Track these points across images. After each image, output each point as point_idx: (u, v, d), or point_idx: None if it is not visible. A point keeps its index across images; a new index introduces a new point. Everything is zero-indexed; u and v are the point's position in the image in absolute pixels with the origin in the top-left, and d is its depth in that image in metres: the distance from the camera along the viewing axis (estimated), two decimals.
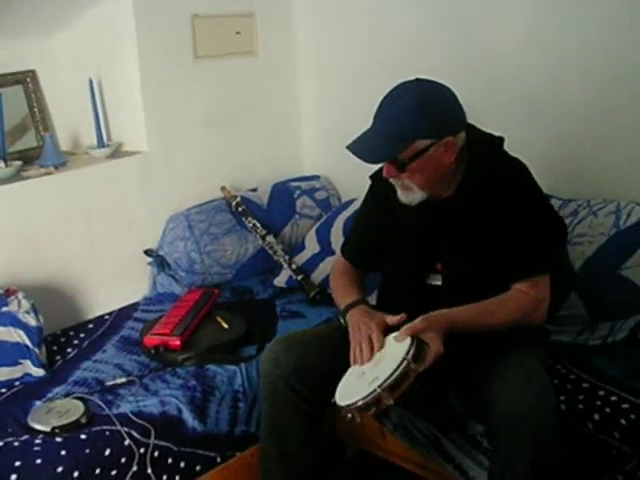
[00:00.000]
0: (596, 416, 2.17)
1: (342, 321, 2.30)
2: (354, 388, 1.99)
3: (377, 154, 2.12)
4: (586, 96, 2.83)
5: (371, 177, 2.43)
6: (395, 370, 1.90)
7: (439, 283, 2.25)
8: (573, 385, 2.32)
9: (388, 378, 1.89)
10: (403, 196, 2.19)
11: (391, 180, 2.18)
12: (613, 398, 2.22)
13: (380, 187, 2.37)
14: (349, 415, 1.96)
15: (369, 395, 1.90)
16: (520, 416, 1.89)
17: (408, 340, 1.96)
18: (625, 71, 2.72)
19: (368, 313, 2.21)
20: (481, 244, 2.17)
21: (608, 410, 2.18)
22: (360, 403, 1.92)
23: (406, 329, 2.00)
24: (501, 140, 2.25)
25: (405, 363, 1.90)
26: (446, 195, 2.22)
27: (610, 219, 2.64)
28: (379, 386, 1.89)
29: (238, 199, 3.32)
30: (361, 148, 2.12)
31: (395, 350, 1.97)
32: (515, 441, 1.92)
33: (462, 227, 2.20)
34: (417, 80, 2.13)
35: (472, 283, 2.17)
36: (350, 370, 2.09)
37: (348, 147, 2.13)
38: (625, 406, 2.18)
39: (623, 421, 2.14)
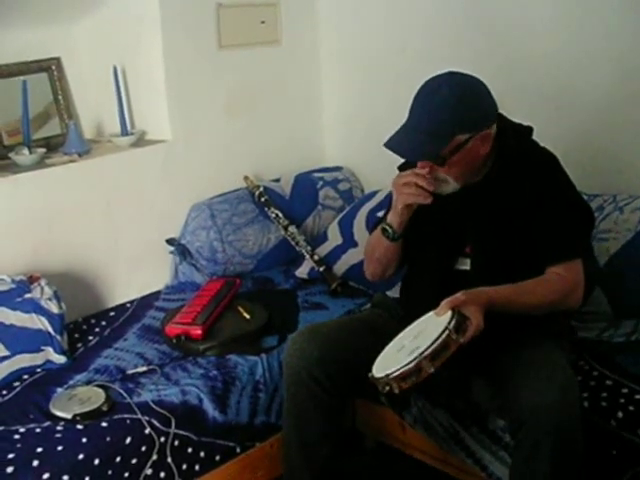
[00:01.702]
0: (620, 414, 2.15)
1: (388, 229, 2.28)
2: (393, 360, 1.98)
3: (419, 151, 2.11)
4: (613, 88, 2.80)
5: (399, 168, 2.42)
6: (436, 339, 1.89)
7: (467, 268, 2.24)
8: (596, 382, 2.30)
9: (429, 347, 1.88)
10: (435, 188, 2.17)
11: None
12: (637, 396, 2.19)
13: None
14: (387, 387, 1.94)
15: (410, 363, 1.89)
16: (544, 411, 1.88)
17: (449, 313, 1.95)
18: None
19: None
20: (509, 228, 2.17)
21: (632, 408, 2.16)
22: (400, 371, 1.90)
23: (447, 302, 1.98)
24: (530, 129, 2.27)
25: (447, 332, 1.89)
26: (475, 181, 2.21)
27: (636, 215, 2.61)
28: (420, 354, 1.88)
29: (261, 189, 3.31)
30: (401, 145, 2.10)
31: (436, 323, 1.96)
32: (538, 435, 1.91)
33: (491, 211, 2.20)
34: (450, 73, 2.12)
35: (500, 267, 2.17)
36: (387, 347, 2.08)
37: (386, 145, 2.11)
38: None
39: None
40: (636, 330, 2.51)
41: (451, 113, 2.04)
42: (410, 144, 2.09)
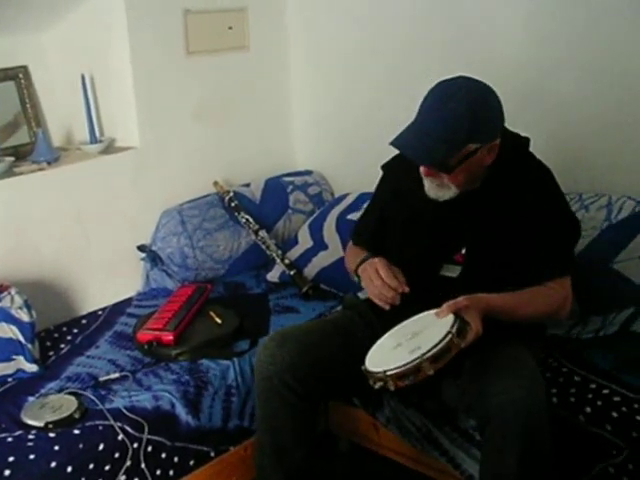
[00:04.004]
0: (588, 409, 2.18)
1: (356, 279, 2.35)
2: (390, 357, 1.98)
3: (428, 156, 2.09)
4: (577, 90, 2.84)
5: (383, 167, 2.43)
6: (440, 342, 1.90)
7: (452, 275, 2.24)
8: (565, 378, 2.33)
9: (433, 348, 1.90)
10: (433, 192, 2.18)
11: (426, 177, 2.17)
12: (605, 391, 2.23)
13: (392, 177, 2.39)
14: (380, 383, 1.95)
15: (411, 362, 1.90)
16: (510, 408, 1.91)
17: (452, 316, 1.97)
18: (618, 64, 2.73)
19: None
20: (504, 238, 2.18)
21: (600, 403, 2.19)
22: (399, 370, 1.91)
23: (449, 305, 2.00)
24: (527, 140, 2.28)
25: (450, 336, 1.91)
26: (471, 188, 2.21)
27: (602, 213, 2.65)
28: (422, 354, 1.89)
29: (231, 194, 3.32)
30: (410, 147, 2.09)
31: (437, 324, 1.98)
32: (505, 433, 1.93)
33: (485, 220, 2.20)
34: (464, 78, 2.11)
35: (490, 276, 2.17)
36: (380, 341, 2.09)
37: (393, 143, 2.09)
38: (616, 399, 2.19)
39: (614, 414, 2.15)
40: (603, 326, 2.54)
41: (464, 125, 2.03)
42: (420, 147, 2.07)
